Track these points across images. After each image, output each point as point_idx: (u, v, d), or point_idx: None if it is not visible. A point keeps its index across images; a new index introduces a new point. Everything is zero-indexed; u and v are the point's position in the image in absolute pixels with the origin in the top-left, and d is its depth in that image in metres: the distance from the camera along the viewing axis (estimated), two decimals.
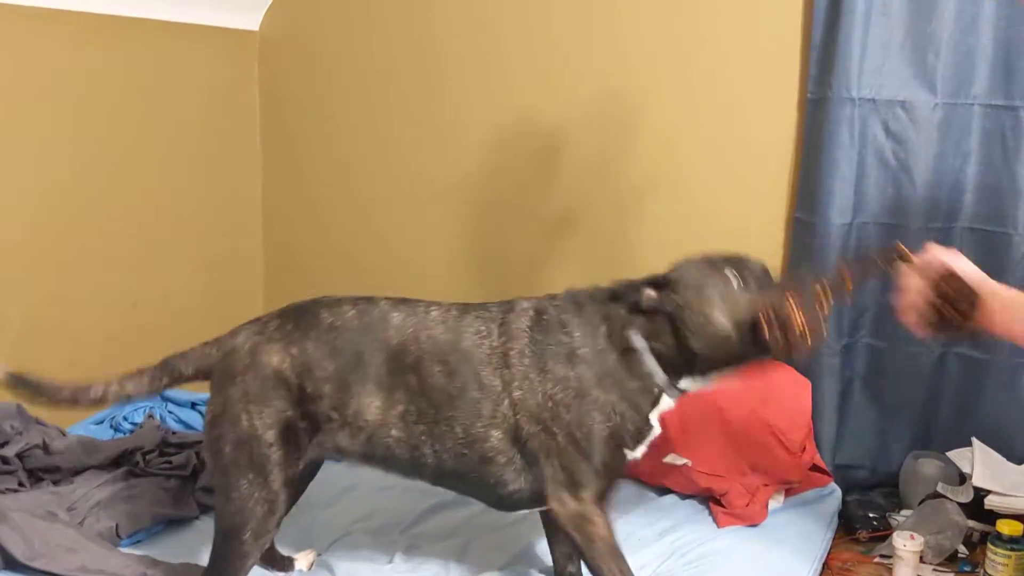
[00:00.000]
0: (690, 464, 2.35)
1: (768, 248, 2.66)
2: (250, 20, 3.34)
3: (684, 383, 1.77)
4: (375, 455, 1.84)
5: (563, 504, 1.74)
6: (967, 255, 2.40)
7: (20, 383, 1.85)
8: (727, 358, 1.72)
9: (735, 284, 1.70)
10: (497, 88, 3.02)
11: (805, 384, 2.52)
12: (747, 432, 2.39)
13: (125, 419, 2.73)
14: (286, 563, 2.09)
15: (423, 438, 1.79)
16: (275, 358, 1.79)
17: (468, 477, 1.82)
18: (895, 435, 2.58)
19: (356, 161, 3.31)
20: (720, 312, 1.68)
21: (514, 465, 1.78)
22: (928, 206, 2.45)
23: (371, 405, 1.79)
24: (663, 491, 2.46)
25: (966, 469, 2.34)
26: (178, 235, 3.16)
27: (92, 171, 2.85)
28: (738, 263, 1.73)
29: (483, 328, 1.80)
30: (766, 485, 2.35)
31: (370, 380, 1.79)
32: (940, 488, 2.32)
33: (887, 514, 2.39)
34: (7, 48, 2.57)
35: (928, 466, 2.42)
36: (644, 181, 2.83)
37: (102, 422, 2.76)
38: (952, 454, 2.43)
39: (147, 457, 2.40)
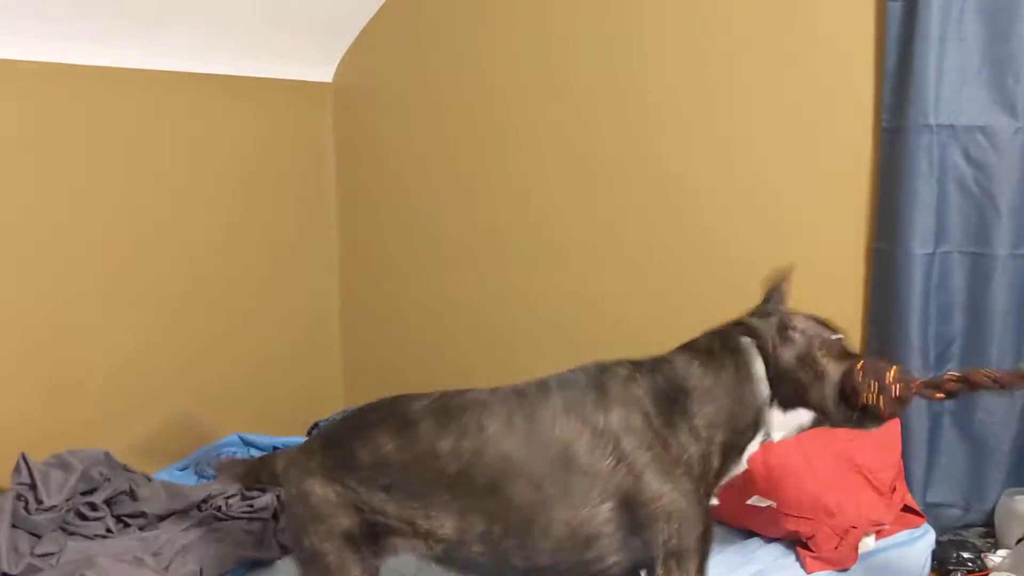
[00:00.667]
0: (775, 506, 2.29)
1: (849, 280, 2.61)
2: (324, 72, 3.43)
3: (782, 410, 1.77)
4: (454, 563, 1.78)
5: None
6: None
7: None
8: (813, 402, 1.72)
9: (838, 343, 1.73)
10: (577, 139, 3.02)
11: (894, 421, 2.45)
12: (834, 472, 2.33)
13: (209, 465, 2.78)
14: None
15: (511, 551, 1.71)
16: (319, 490, 1.76)
17: (564, 564, 1.73)
18: (989, 472, 2.49)
19: (431, 210, 3.35)
20: (822, 361, 1.70)
21: (618, 537, 1.69)
22: (1014, 233, 2.38)
23: (443, 526, 1.71)
24: (747, 534, 2.39)
25: None
26: (256, 286, 3.24)
27: (168, 225, 2.95)
28: (837, 329, 1.77)
29: (575, 419, 1.69)
30: (855, 527, 2.28)
31: (432, 507, 1.71)
32: None
33: (983, 555, 2.30)
34: (95, 108, 2.70)
35: None
36: (722, 218, 2.80)
37: (186, 468, 2.82)
38: None
39: (229, 501, 2.43)
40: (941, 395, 1.63)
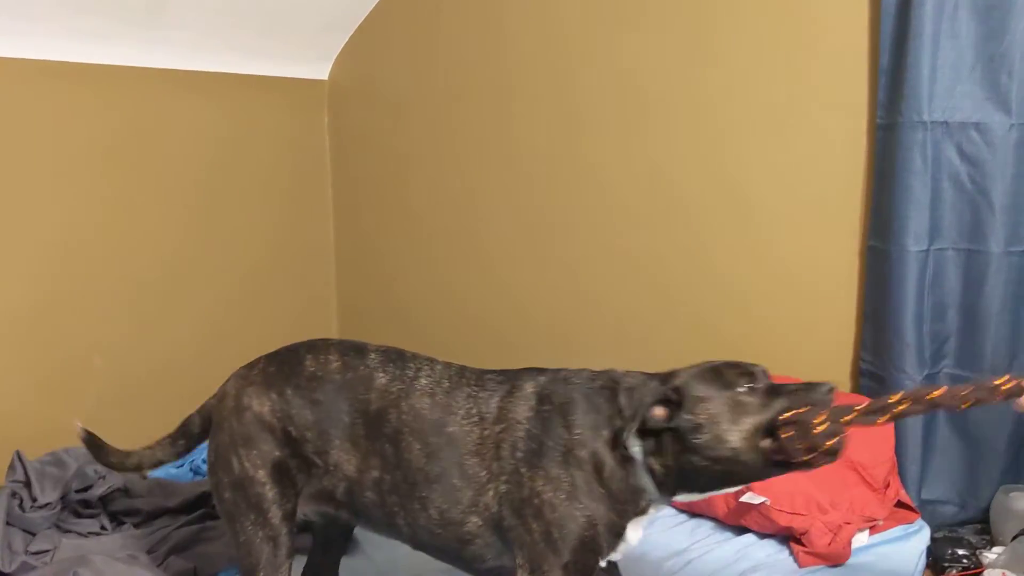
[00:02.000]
0: (768, 503, 2.29)
1: (843, 277, 2.62)
2: (319, 70, 3.43)
3: (680, 496, 1.66)
4: (356, 510, 1.82)
5: None
6: None
7: (89, 441, 1.96)
8: (733, 475, 1.59)
9: (747, 394, 1.56)
10: (572, 137, 3.03)
11: None
12: (827, 468, 2.32)
13: (204, 462, 2.77)
14: None
15: (396, 509, 1.75)
16: (255, 402, 1.79)
17: (445, 551, 1.79)
18: (984, 469, 2.49)
19: (426, 207, 3.36)
20: (732, 425, 1.54)
21: (494, 548, 1.72)
22: (1008, 230, 2.38)
23: (348, 461, 1.76)
24: (741, 531, 2.40)
25: None
26: (249, 284, 3.25)
27: (164, 222, 2.95)
28: (748, 373, 1.59)
29: (475, 411, 1.71)
30: (849, 523, 2.28)
31: (347, 438, 1.75)
32: None
33: (978, 551, 2.30)
34: (90, 105, 2.70)
35: (1020, 500, 2.33)
36: (709, 214, 2.81)
37: (182, 465, 2.81)
38: None
39: None
40: (883, 420, 1.49)
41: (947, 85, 2.37)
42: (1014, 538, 2.24)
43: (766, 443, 1.52)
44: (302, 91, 3.39)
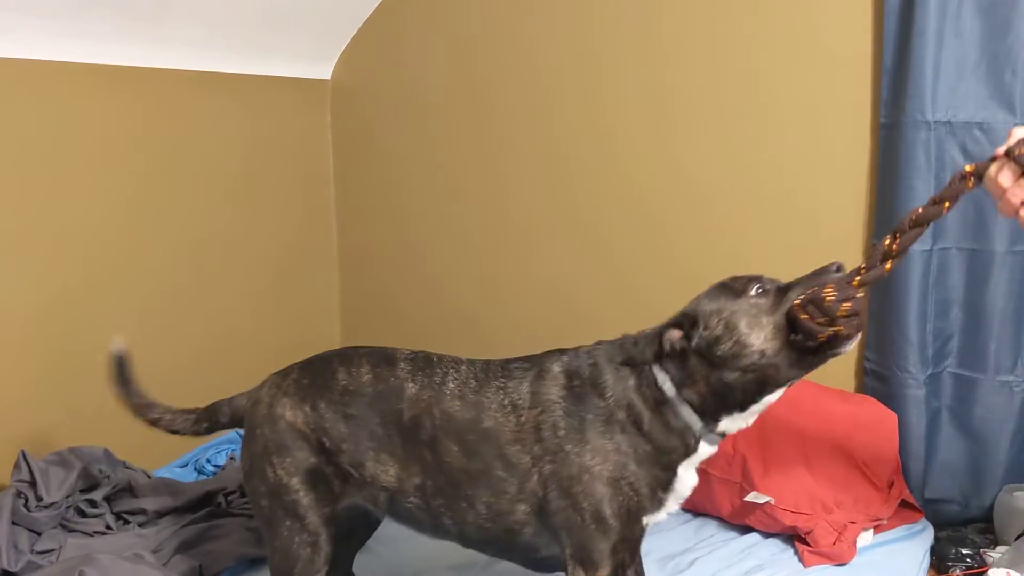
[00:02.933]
0: (773, 502, 2.30)
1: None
2: (322, 70, 3.43)
3: (724, 424, 1.66)
4: (398, 515, 1.84)
5: None
6: None
7: (120, 367, 1.99)
8: (768, 379, 1.59)
9: (758, 297, 1.59)
10: (575, 136, 3.03)
11: (891, 416, 2.45)
12: (832, 468, 2.34)
13: (208, 461, 2.79)
14: None
15: (442, 511, 1.77)
16: (288, 413, 1.81)
17: (495, 544, 1.80)
18: (987, 468, 2.48)
19: (429, 210, 3.36)
20: (752, 328, 1.57)
21: (544, 536, 1.73)
22: (1013, 228, 2.38)
23: (386, 472, 1.77)
24: (745, 530, 2.40)
25: None
26: (255, 285, 3.25)
27: (170, 222, 2.95)
28: (754, 277, 1.64)
29: (507, 402, 1.72)
30: (853, 522, 2.28)
31: (384, 449, 1.77)
32: None
33: (981, 551, 2.30)
34: (93, 105, 2.70)
35: (1023, 499, 2.33)
36: (712, 211, 2.81)
37: (186, 465, 2.82)
38: None
39: (229, 498, 2.45)
40: (890, 264, 1.53)
41: (950, 84, 2.36)
42: (1018, 537, 2.23)
43: (792, 337, 1.54)
44: (305, 91, 3.39)
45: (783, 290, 1.59)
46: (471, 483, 1.72)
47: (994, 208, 2.36)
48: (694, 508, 2.47)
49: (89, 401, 2.72)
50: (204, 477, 2.72)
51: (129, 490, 2.45)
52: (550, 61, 3.02)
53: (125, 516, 2.41)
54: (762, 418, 1.72)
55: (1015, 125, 2.31)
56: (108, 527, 2.35)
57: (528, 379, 1.74)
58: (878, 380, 2.56)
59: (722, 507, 2.41)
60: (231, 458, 2.76)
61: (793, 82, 2.64)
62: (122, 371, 1.99)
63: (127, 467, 2.56)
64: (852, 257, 2.59)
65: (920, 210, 1.53)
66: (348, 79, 3.44)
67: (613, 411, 1.66)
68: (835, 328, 1.49)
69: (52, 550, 2.20)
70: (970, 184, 1.52)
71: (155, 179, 2.88)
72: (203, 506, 2.45)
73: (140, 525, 2.38)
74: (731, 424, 1.67)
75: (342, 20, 3.30)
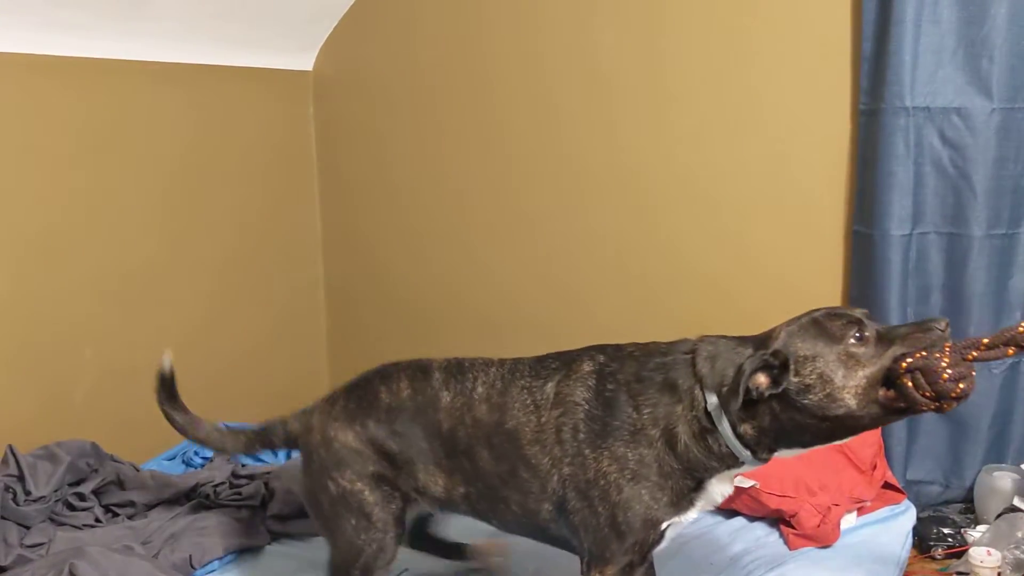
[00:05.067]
0: (758, 486, 2.32)
1: (829, 262, 2.64)
2: (303, 61, 3.42)
3: (778, 455, 1.57)
4: (458, 512, 1.89)
5: None
6: None
7: (166, 384, 2.02)
8: (845, 430, 1.50)
9: (856, 344, 1.45)
10: (547, 122, 3.04)
11: None
12: (815, 451, 2.35)
13: (196, 454, 2.79)
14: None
15: (487, 513, 1.81)
16: (340, 435, 1.85)
17: (536, 535, 1.83)
18: (967, 449, 2.52)
19: (411, 196, 3.36)
20: (847, 380, 1.44)
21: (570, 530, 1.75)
22: (990, 213, 2.41)
23: (436, 483, 1.81)
24: (731, 514, 2.42)
25: None
26: (238, 274, 3.24)
27: (152, 214, 2.93)
28: (853, 320, 1.48)
29: (530, 401, 1.70)
30: (837, 505, 2.31)
31: (431, 461, 1.80)
32: (1016, 502, 2.26)
33: (963, 530, 2.33)
34: (73, 98, 2.68)
35: (1003, 480, 2.37)
36: (696, 200, 2.83)
37: (174, 457, 2.82)
38: None
39: (217, 489, 2.45)
40: (1013, 350, 1.38)
41: (929, 71, 2.39)
42: (998, 516, 2.27)
43: (883, 393, 1.43)
44: (287, 82, 3.38)
45: (884, 339, 1.46)
46: (503, 486, 1.73)
47: (972, 193, 2.41)
48: None
49: (74, 393, 2.73)
50: (192, 469, 2.71)
51: (117, 483, 2.46)
52: (541, 50, 3.02)
53: (114, 509, 2.41)
54: None
55: (992, 110, 2.37)
56: (97, 520, 2.34)
57: (555, 378, 1.71)
58: None
59: None
60: None
61: (774, 70, 2.66)
62: (168, 388, 2.02)
63: (115, 460, 2.56)
64: (832, 242, 2.63)
65: None
66: (330, 70, 3.44)
67: (645, 426, 1.60)
68: (940, 404, 1.38)
69: (42, 544, 2.19)
70: None
71: (135, 172, 2.86)
72: (191, 498, 2.45)
73: (129, 518, 2.38)
74: (787, 454, 1.58)
75: (323, 10, 3.29)
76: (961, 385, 1.36)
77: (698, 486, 1.64)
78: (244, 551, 2.26)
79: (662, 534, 1.68)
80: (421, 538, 2.13)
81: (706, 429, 1.56)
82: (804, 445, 1.55)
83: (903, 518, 2.40)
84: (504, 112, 3.12)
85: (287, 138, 3.42)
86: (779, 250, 2.73)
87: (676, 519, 1.66)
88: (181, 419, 2.04)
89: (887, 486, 2.45)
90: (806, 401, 1.46)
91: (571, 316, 3.08)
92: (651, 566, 1.88)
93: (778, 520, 2.35)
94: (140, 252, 2.89)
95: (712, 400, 1.55)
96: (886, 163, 2.45)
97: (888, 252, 2.47)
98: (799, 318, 1.54)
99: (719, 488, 1.66)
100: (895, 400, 1.42)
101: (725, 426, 1.54)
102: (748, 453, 1.56)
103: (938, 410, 1.40)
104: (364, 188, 3.45)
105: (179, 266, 3.02)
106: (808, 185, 2.66)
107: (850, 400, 1.44)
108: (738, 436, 1.54)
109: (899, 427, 2.53)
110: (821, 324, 1.49)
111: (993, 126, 2.37)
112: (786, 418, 1.49)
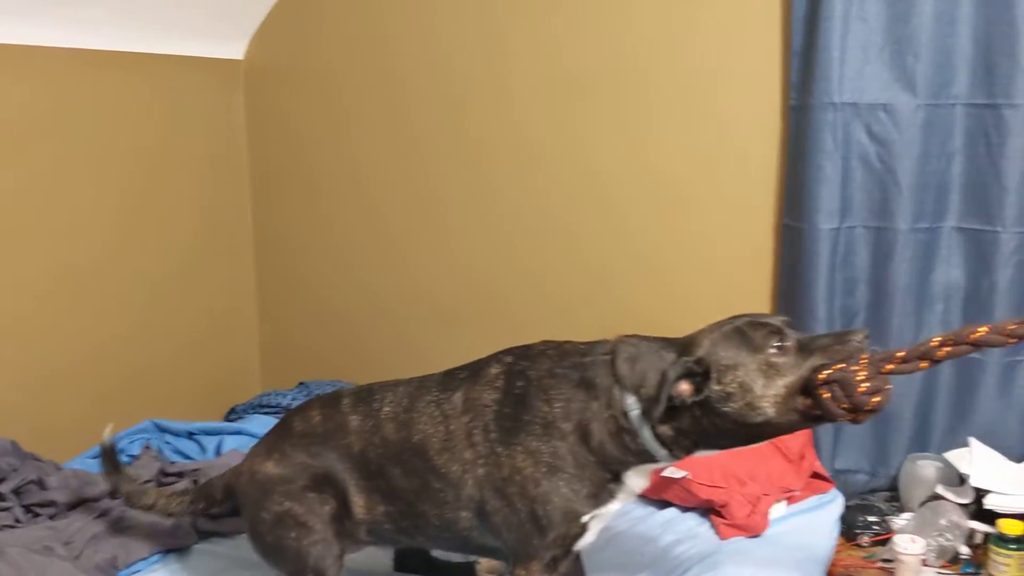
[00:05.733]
0: (689, 476, 2.34)
1: (759, 256, 2.67)
2: (235, 49, 3.35)
3: (698, 454, 1.60)
4: (384, 541, 1.90)
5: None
6: (955, 254, 2.47)
7: (110, 456, 2.08)
8: (762, 435, 1.54)
9: (777, 354, 1.48)
10: (496, 111, 3.02)
11: None
12: None
13: (121, 451, 2.71)
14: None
15: (411, 530, 1.81)
16: (261, 467, 1.88)
17: (463, 547, 1.84)
18: (892, 439, 2.57)
19: (346, 190, 3.32)
20: (767, 390, 1.46)
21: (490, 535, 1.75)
22: (915, 207, 2.46)
23: (357, 504, 1.82)
24: (663, 505, 2.44)
25: (965, 470, 2.32)
26: (167, 269, 3.16)
27: (75, 207, 2.85)
28: (774, 330, 1.50)
29: (437, 413, 1.71)
30: (767, 494, 2.34)
31: (349, 483, 1.81)
32: (940, 490, 2.31)
33: (888, 518, 2.38)
34: None
35: (927, 468, 2.42)
36: (628, 193, 2.84)
37: (98, 456, 2.74)
38: (950, 455, 2.42)
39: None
40: (925, 365, 1.42)
41: (856, 67, 2.43)
42: (922, 504, 2.32)
43: (802, 402, 1.46)
44: (217, 71, 3.31)
45: (804, 349, 1.48)
46: (419, 500, 1.74)
47: (897, 187, 2.46)
48: None
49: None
50: None
51: (38, 482, 2.37)
52: (489, 40, 3.00)
53: (35, 509, 2.33)
54: None
55: (917, 106, 2.41)
56: (17, 521, 2.27)
57: (463, 387, 1.72)
58: None
59: None
60: (146, 448, 2.70)
61: (706, 65, 2.68)
62: (112, 460, 2.07)
63: (36, 459, 2.48)
64: (762, 235, 2.66)
65: (986, 331, 1.37)
66: (263, 59, 3.37)
67: (556, 419, 1.60)
68: (855, 416, 1.42)
69: None
70: None
71: (60, 163, 2.78)
72: (116, 497, 2.38)
73: (51, 518, 2.31)
74: (705, 454, 1.61)
75: None
76: (875, 398, 1.40)
77: (616, 478, 1.65)
78: (169, 552, 2.22)
79: (584, 527, 1.68)
80: (428, 565, 2.12)
81: (623, 428, 1.58)
82: (722, 447, 1.59)
83: (831, 507, 2.43)
84: (449, 103, 3.09)
85: (217, 130, 3.35)
86: (710, 242, 2.76)
87: (597, 511, 1.67)
88: (127, 488, 2.09)
89: (815, 475, 2.48)
90: (726, 409, 1.48)
91: (497, 313, 3.07)
92: (577, 559, 1.88)
93: (709, 510, 2.36)
94: (63, 245, 2.81)
95: (630, 400, 1.56)
96: (815, 158, 2.48)
97: (817, 245, 2.51)
98: (722, 325, 1.55)
99: (637, 481, 1.68)
100: (812, 408, 1.46)
101: (644, 428, 1.55)
102: (665, 452, 1.58)
103: (853, 421, 1.44)
104: (297, 182, 3.40)
105: (103, 260, 2.94)
106: (739, 179, 2.69)
107: (769, 409, 1.47)
108: (656, 437, 1.56)
109: None
110: (743, 333, 1.51)
111: (918, 122, 2.42)
112: (706, 423, 1.52)
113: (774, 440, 2.36)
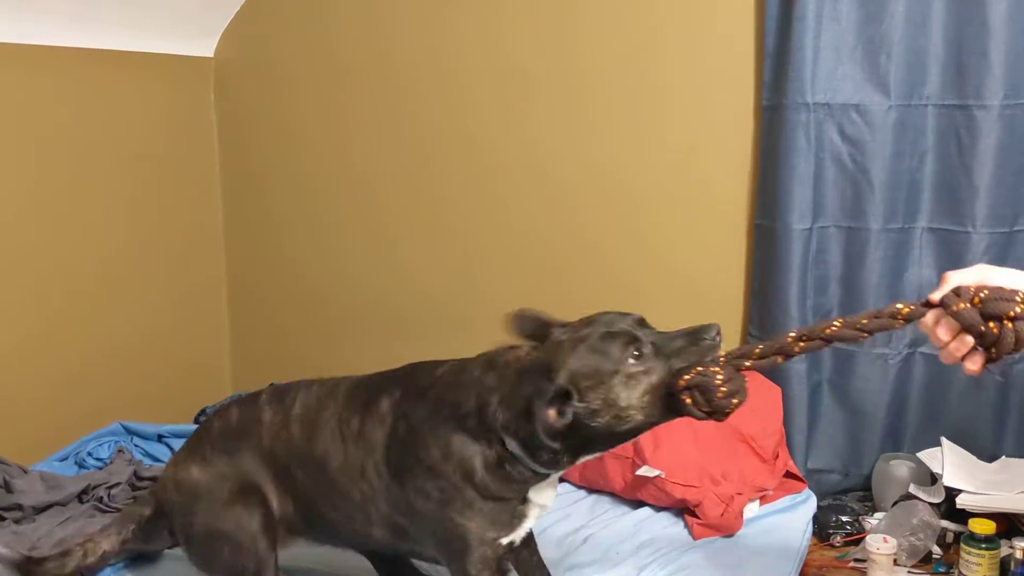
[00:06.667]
0: (663, 476, 2.34)
1: (732, 255, 2.68)
2: (204, 47, 3.31)
3: (581, 460, 1.62)
4: (315, 538, 1.87)
5: None
6: (927, 254, 2.49)
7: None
8: (637, 432, 1.55)
9: (636, 362, 1.49)
10: (458, 110, 3.01)
11: (775, 390, 2.52)
12: (719, 441, 2.39)
13: (90, 455, 2.67)
14: None
15: (332, 529, 1.79)
16: (185, 474, 1.85)
17: (398, 552, 1.85)
18: (865, 438, 2.59)
19: (318, 187, 3.29)
20: (630, 399, 1.48)
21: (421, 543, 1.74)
22: (887, 207, 2.47)
23: (272, 502, 1.80)
24: (637, 504, 2.44)
25: (936, 469, 2.34)
26: (137, 268, 3.12)
27: (45, 205, 2.80)
28: (631, 339, 1.51)
29: (338, 432, 1.71)
30: (740, 494, 2.34)
31: (265, 481, 1.80)
32: (912, 489, 2.32)
33: (860, 517, 2.39)
34: None
35: (899, 468, 2.43)
36: (598, 194, 2.83)
37: (66, 458, 2.70)
38: (922, 455, 2.44)
39: (112, 492, 2.35)
40: (782, 359, 1.44)
41: (829, 67, 2.44)
42: (894, 504, 2.33)
43: (664, 400, 1.48)
44: (187, 69, 3.27)
45: (659, 353, 1.50)
46: (328, 509, 1.75)
47: (870, 187, 2.47)
48: (588, 485, 2.50)
49: None
50: (86, 471, 2.60)
51: (4, 486, 2.33)
52: (451, 38, 2.99)
53: (1, 513, 2.30)
54: None
55: (889, 107, 2.42)
56: None
57: (360, 415, 1.71)
58: None
59: (615, 482, 2.44)
60: (119, 451, 2.66)
61: (679, 64, 2.68)
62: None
63: (1, 463, 2.44)
64: (735, 234, 2.66)
65: (839, 326, 1.39)
66: (233, 56, 3.34)
67: (437, 463, 1.60)
68: (716, 417, 1.45)
69: None
70: (899, 325, 1.39)
71: (24, 163, 2.73)
72: (84, 501, 2.35)
73: (16, 522, 2.27)
74: (588, 459, 1.63)
75: None
76: (735, 400, 1.43)
77: (515, 505, 1.65)
78: (138, 557, 2.18)
79: (508, 545, 1.68)
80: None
81: (507, 460, 1.57)
82: (602, 450, 1.63)
83: (804, 507, 2.44)
84: (414, 101, 3.07)
85: (187, 127, 3.31)
86: (684, 242, 2.76)
87: (512, 535, 1.67)
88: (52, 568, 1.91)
89: (789, 475, 2.49)
90: (596, 423, 1.50)
91: (482, 308, 3.04)
92: (528, 538, 1.85)
93: (683, 510, 2.37)
94: (31, 244, 2.76)
95: (510, 442, 1.54)
96: (788, 158, 2.49)
97: (789, 245, 2.51)
98: (575, 343, 1.53)
99: (544, 495, 1.69)
100: (677, 407, 1.48)
101: (525, 459, 1.55)
102: (551, 471, 1.60)
103: (715, 420, 1.46)
104: (268, 179, 3.37)
105: (72, 260, 2.89)
106: (712, 179, 2.69)
107: (636, 415, 1.50)
108: (537, 462, 1.56)
109: (800, 417, 2.58)
110: (598, 349, 1.51)
111: (890, 122, 2.43)
112: (580, 436, 1.53)
113: (748, 440, 2.40)
